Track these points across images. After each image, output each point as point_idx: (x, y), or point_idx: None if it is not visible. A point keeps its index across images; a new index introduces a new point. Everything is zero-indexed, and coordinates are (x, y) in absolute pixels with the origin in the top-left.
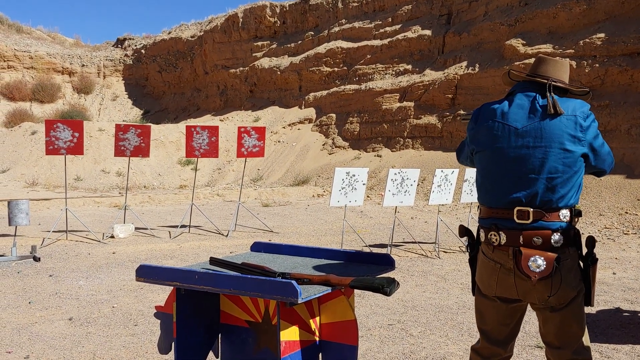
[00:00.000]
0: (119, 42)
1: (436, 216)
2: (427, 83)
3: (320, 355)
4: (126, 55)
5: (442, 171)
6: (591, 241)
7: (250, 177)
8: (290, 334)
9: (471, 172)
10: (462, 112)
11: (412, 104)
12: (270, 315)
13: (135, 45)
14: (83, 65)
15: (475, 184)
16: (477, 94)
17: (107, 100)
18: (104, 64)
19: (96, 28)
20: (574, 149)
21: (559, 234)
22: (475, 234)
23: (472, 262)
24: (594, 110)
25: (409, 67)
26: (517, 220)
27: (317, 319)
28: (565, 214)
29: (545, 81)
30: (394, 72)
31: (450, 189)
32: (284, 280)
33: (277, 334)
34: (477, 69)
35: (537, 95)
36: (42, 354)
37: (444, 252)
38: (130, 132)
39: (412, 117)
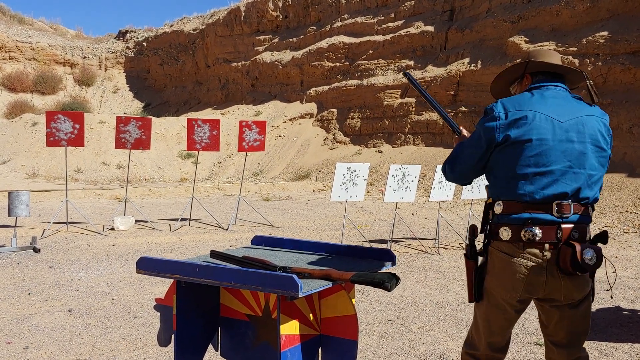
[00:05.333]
0: (121, 35)
1: (436, 212)
2: (429, 79)
3: (320, 349)
4: (128, 47)
5: None
6: (605, 236)
7: (250, 172)
8: (290, 328)
9: None
10: (463, 108)
11: (413, 100)
12: (270, 309)
13: (137, 38)
14: (84, 57)
15: (492, 179)
16: (478, 91)
17: (108, 93)
18: (106, 56)
19: (98, 20)
20: (606, 149)
21: (588, 229)
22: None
23: (481, 268)
24: None
25: (411, 63)
26: (556, 215)
27: (318, 313)
28: (591, 210)
29: (579, 70)
30: (395, 68)
31: (451, 186)
32: (285, 274)
33: (277, 327)
34: (479, 66)
35: (567, 88)
36: (41, 344)
37: (444, 248)
38: (132, 124)
39: (413, 113)
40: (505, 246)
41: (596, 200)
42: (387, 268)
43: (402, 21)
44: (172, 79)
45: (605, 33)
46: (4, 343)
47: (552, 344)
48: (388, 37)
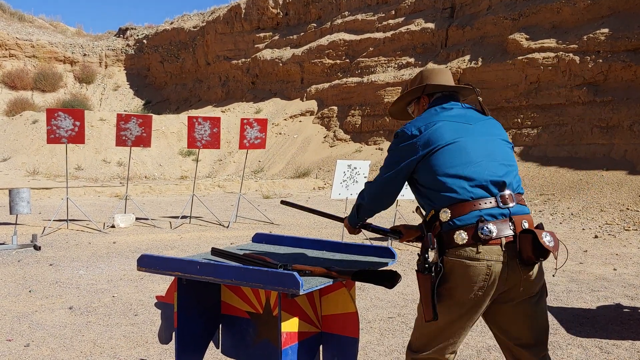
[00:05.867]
0: (121, 32)
1: None
2: None
3: (321, 347)
4: (128, 45)
5: None
6: (541, 227)
7: (251, 169)
8: (291, 326)
9: None
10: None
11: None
12: (271, 306)
13: (137, 35)
14: (85, 55)
15: (426, 193)
16: (479, 88)
17: (108, 90)
18: (106, 54)
19: (98, 17)
20: (512, 145)
21: (530, 216)
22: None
23: (438, 281)
24: (597, 105)
25: (412, 60)
26: (502, 207)
27: (319, 310)
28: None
29: (471, 87)
30: (396, 65)
31: None
32: (285, 271)
33: (278, 325)
34: (480, 63)
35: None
36: (42, 342)
37: None
38: (132, 121)
39: None
40: (463, 251)
41: (523, 192)
42: (388, 265)
43: (403, 18)
44: (172, 76)
45: (606, 30)
46: (5, 340)
47: (518, 347)
48: (388, 34)
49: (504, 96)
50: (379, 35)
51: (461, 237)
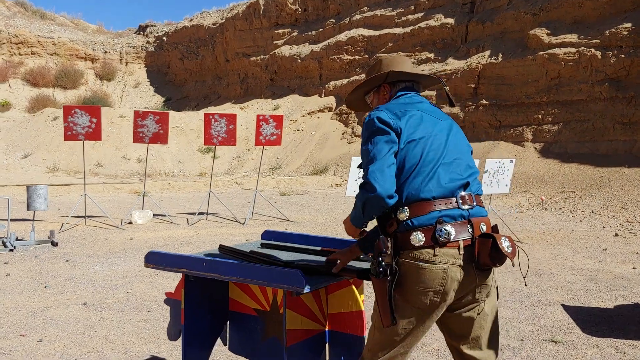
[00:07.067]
0: (141, 29)
1: None
2: (450, 72)
3: (327, 345)
4: (148, 42)
5: None
6: (496, 229)
7: (269, 166)
8: (297, 323)
9: (491, 163)
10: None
11: (433, 93)
12: (278, 304)
13: (157, 33)
14: (105, 52)
15: (427, 179)
16: (500, 84)
17: (129, 87)
18: (126, 51)
19: (119, 15)
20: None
21: (488, 219)
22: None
23: (393, 285)
24: (619, 101)
25: (431, 55)
26: (462, 208)
27: (325, 308)
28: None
29: (436, 76)
30: (415, 61)
31: None
32: (290, 269)
33: (283, 323)
34: (500, 59)
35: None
36: (55, 337)
37: None
38: (149, 118)
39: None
40: (419, 253)
41: (482, 194)
42: None
43: (422, 13)
44: (192, 73)
45: (628, 25)
46: (19, 336)
47: (472, 352)
48: (408, 29)
49: (525, 92)
50: (398, 30)
51: (417, 238)
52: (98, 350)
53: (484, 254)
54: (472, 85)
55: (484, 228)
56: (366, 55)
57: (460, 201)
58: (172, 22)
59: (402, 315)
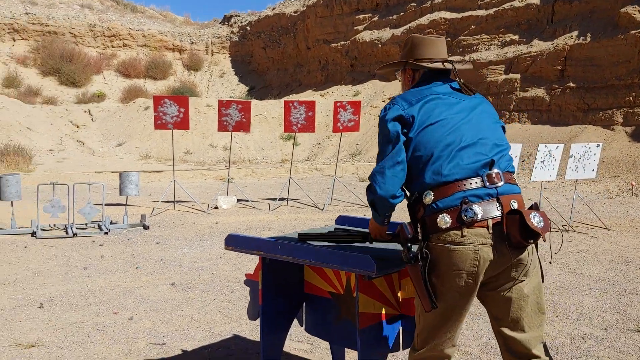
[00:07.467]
0: (226, 19)
1: (540, 193)
2: (535, 54)
3: (400, 329)
4: (232, 32)
5: (545, 146)
6: (537, 208)
7: (349, 152)
8: (369, 307)
9: (576, 148)
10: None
11: (518, 76)
12: (352, 287)
13: (241, 22)
14: (192, 43)
15: (408, 176)
16: (588, 65)
17: (215, 77)
18: (212, 41)
19: (205, 6)
20: (501, 123)
21: (520, 196)
22: (408, 230)
23: (426, 270)
24: None
25: (516, 37)
26: (489, 186)
27: (398, 293)
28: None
29: (452, 65)
30: (499, 43)
31: (554, 165)
32: (360, 254)
33: (356, 306)
34: (588, 39)
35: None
36: (144, 316)
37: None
38: (232, 107)
39: (518, 89)
40: (447, 236)
41: (514, 171)
42: None
43: None
44: (274, 62)
45: None
46: (112, 313)
47: (512, 333)
48: (491, 11)
49: (615, 73)
50: (481, 12)
51: (444, 220)
52: (184, 328)
53: (514, 230)
54: (558, 68)
55: (514, 205)
56: (448, 38)
57: (487, 179)
58: (255, 12)
59: (441, 298)
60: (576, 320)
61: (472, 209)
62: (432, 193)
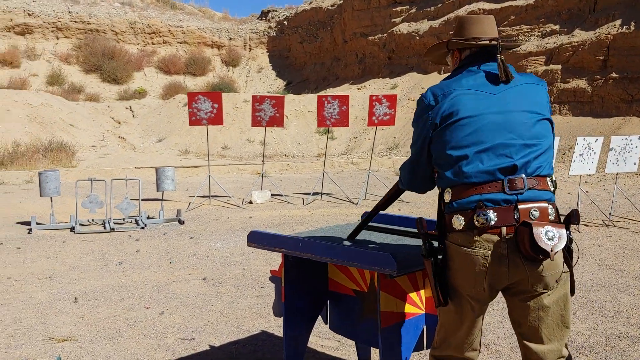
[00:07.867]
0: (263, 15)
1: (578, 187)
2: (576, 44)
3: (424, 328)
4: (270, 27)
5: (584, 139)
6: (575, 215)
7: (386, 146)
8: (391, 306)
9: (617, 141)
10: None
11: (559, 66)
12: (375, 285)
13: (278, 17)
14: (230, 39)
15: (437, 169)
16: (632, 55)
17: (252, 72)
18: (250, 37)
19: (243, 1)
20: (547, 115)
21: (552, 206)
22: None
23: (442, 265)
24: None
25: (557, 27)
26: (509, 192)
27: (422, 291)
28: (550, 183)
29: (496, 42)
30: (539, 34)
31: (593, 159)
32: (381, 252)
33: (377, 304)
34: (632, 28)
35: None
36: (175, 310)
37: (585, 225)
38: (266, 102)
39: (559, 80)
40: (460, 237)
41: (551, 173)
42: None
43: None
44: (311, 56)
45: None
46: (144, 308)
47: (529, 343)
48: (531, 1)
49: None
50: (521, 2)
51: (459, 221)
52: (213, 323)
53: (524, 243)
54: (600, 58)
55: (535, 214)
56: None
57: (508, 185)
58: (292, 6)
59: (454, 298)
60: (612, 319)
61: (485, 214)
62: (451, 192)
